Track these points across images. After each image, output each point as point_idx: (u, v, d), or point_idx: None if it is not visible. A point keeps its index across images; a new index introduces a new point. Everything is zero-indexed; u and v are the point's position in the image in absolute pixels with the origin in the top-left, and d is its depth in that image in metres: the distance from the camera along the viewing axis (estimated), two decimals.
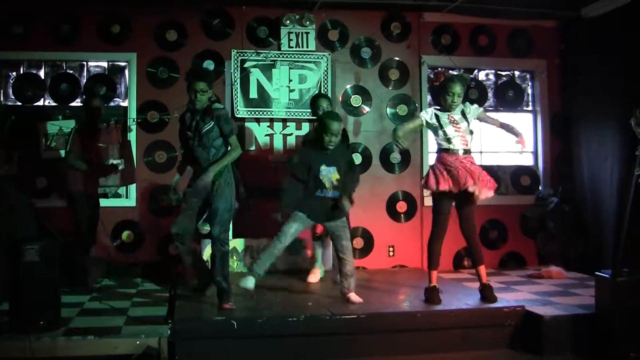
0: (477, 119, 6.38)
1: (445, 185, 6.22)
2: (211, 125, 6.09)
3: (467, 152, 6.28)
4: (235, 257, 8.14)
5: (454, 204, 6.39)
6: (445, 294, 6.61)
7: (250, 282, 6.29)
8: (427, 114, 6.42)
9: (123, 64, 8.55)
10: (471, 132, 6.32)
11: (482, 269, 6.50)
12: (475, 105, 6.43)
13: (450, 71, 8.96)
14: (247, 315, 5.86)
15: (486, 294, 6.40)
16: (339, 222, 6.45)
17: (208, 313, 5.99)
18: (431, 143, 8.44)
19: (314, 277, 7.59)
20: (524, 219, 9.12)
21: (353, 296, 6.37)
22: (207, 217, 6.37)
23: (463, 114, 6.30)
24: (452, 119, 6.28)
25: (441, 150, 6.34)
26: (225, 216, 6.19)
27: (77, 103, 8.33)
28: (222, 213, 6.16)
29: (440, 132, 6.28)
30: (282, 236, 6.41)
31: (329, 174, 6.38)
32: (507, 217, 9.12)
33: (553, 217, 8.72)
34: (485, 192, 6.18)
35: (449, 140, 6.27)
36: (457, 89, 6.23)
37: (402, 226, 8.85)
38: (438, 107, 6.50)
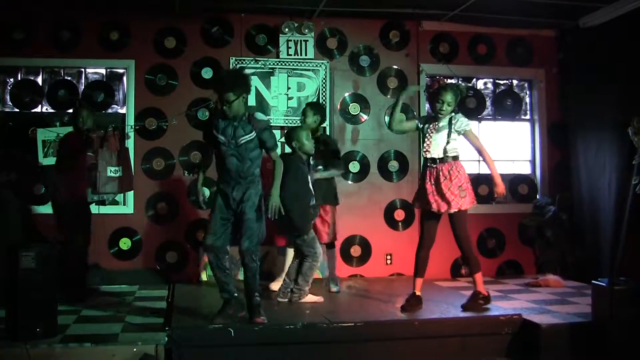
0: (463, 134, 6.39)
1: (424, 205, 6.36)
2: (252, 136, 5.76)
3: (443, 160, 6.29)
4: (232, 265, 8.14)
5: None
6: (443, 302, 6.65)
7: (314, 298, 6.75)
8: (421, 120, 6.60)
9: (121, 70, 8.56)
10: (448, 142, 6.30)
11: (478, 277, 6.50)
12: (465, 121, 6.38)
13: (448, 80, 8.99)
14: (244, 323, 5.85)
15: (469, 303, 6.43)
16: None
17: (205, 321, 5.97)
18: None
19: (277, 284, 7.42)
20: (521, 227, 9.12)
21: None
22: (235, 229, 5.98)
23: (450, 123, 6.33)
24: (434, 127, 6.35)
25: (424, 161, 6.46)
26: (255, 228, 5.80)
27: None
28: (252, 224, 5.79)
29: (424, 140, 6.42)
30: (316, 257, 6.70)
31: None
32: (505, 225, 9.12)
33: (551, 225, 8.72)
34: (461, 206, 6.23)
35: (426, 149, 6.37)
36: (448, 97, 6.28)
37: (400, 234, 8.85)
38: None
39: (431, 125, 6.39)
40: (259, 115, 5.90)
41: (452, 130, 6.30)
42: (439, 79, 6.76)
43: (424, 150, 6.42)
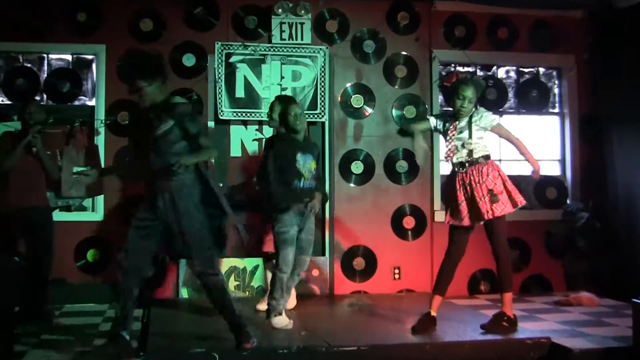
0: (491, 131, 6.39)
1: (457, 220, 6.32)
2: (170, 125, 5.50)
3: (472, 162, 6.27)
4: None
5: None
6: (460, 323, 6.62)
7: (283, 321, 6.51)
8: (434, 120, 6.56)
9: (90, 57, 8.53)
10: (473, 141, 6.28)
11: (507, 297, 6.44)
12: (491, 115, 6.39)
13: (466, 68, 8.94)
14: (231, 346, 5.78)
15: (490, 323, 6.36)
16: (310, 234, 6.72)
17: (186, 343, 5.91)
18: (442, 149, 8.40)
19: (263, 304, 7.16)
20: (549, 236, 9.10)
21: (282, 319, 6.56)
22: (170, 248, 5.82)
23: (470, 121, 6.28)
24: (454, 127, 6.33)
25: (452, 165, 6.43)
26: (200, 241, 5.58)
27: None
28: (195, 240, 5.56)
29: (446, 139, 6.41)
30: (283, 266, 6.52)
31: (306, 162, 6.60)
32: (530, 234, 9.09)
33: (583, 234, 8.71)
34: (494, 213, 6.19)
35: (448, 154, 6.37)
36: (469, 92, 6.26)
37: (409, 245, 8.80)
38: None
39: (451, 126, 6.36)
40: (176, 99, 5.79)
41: (477, 127, 6.28)
42: (456, 72, 6.73)
43: (446, 155, 6.41)
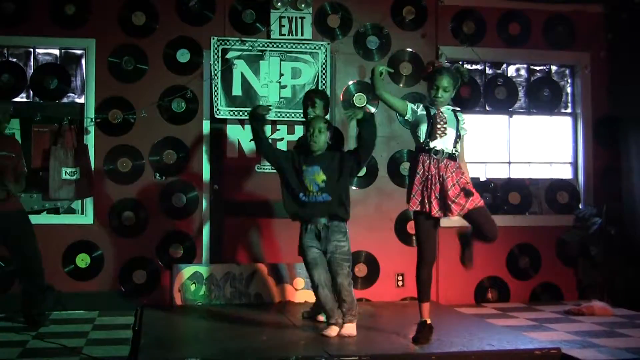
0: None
1: (424, 207, 6.28)
2: None
3: (452, 157, 6.27)
4: (195, 284, 8.25)
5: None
6: (465, 332, 6.65)
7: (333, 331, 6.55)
8: (415, 105, 6.44)
9: (79, 52, 8.56)
10: (458, 137, 6.31)
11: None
12: (466, 124, 6.44)
13: (474, 66, 9.01)
14: (226, 356, 5.84)
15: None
16: (338, 253, 6.58)
17: (179, 353, 5.96)
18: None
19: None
20: (561, 243, 9.14)
21: (349, 327, 6.59)
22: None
23: (456, 118, 6.35)
24: (441, 116, 6.29)
25: (420, 151, 6.32)
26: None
27: (21, 98, 8.34)
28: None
29: (423, 127, 6.28)
30: (314, 288, 6.65)
31: (312, 174, 6.53)
32: (541, 241, 9.14)
33: (596, 241, 8.74)
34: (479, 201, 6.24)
35: (431, 136, 6.25)
36: (444, 82, 6.26)
37: (413, 250, 8.64)
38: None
39: (433, 113, 6.30)
40: None
41: (460, 126, 6.33)
42: (433, 61, 6.74)
43: (436, 133, 6.23)
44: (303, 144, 6.89)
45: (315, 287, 6.59)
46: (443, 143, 6.23)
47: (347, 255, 6.61)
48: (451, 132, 6.26)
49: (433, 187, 6.20)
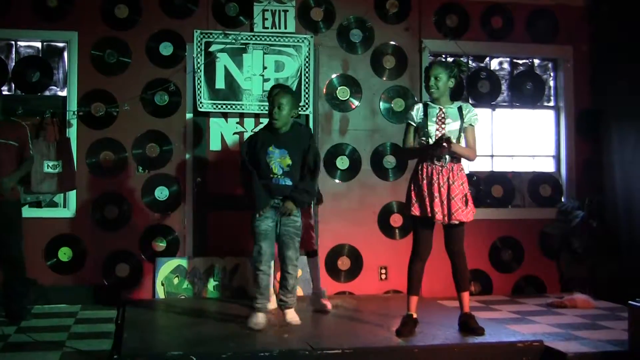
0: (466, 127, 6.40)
1: (425, 213, 6.29)
2: None
3: (453, 159, 6.28)
4: (178, 277, 8.26)
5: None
6: (448, 325, 6.65)
7: (260, 319, 6.49)
8: (414, 110, 6.43)
9: (61, 44, 8.52)
10: (460, 136, 6.33)
11: (466, 296, 6.59)
12: (475, 113, 6.43)
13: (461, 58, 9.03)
14: (209, 349, 5.83)
15: (470, 324, 6.46)
16: (292, 227, 6.61)
17: (162, 346, 5.95)
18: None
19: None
20: (543, 236, 9.17)
21: (292, 314, 6.64)
22: None
23: (460, 111, 6.34)
24: (441, 116, 6.29)
25: (421, 161, 6.37)
26: None
27: (3, 91, 8.20)
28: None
29: (422, 132, 6.32)
30: (256, 263, 6.56)
31: (279, 157, 6.54)
32: (523, 234, 9.17)
33: (578, 234, 8.77)
34: (465, 217, 6.29)
35: (431, 137, 6.28)
36: (435, 71, 6.28)
37: (396, 244, 8.85)
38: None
39: (433, 114, 6.29)
40: None
41: (465, 122, 6.31)
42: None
43: (428, 139, 6.30)
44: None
45: (259, 261, 6.54)
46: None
47: (299, 230, 6.69)
48: (452, 133, 6.25)
49: (438, 194, 6.22)
